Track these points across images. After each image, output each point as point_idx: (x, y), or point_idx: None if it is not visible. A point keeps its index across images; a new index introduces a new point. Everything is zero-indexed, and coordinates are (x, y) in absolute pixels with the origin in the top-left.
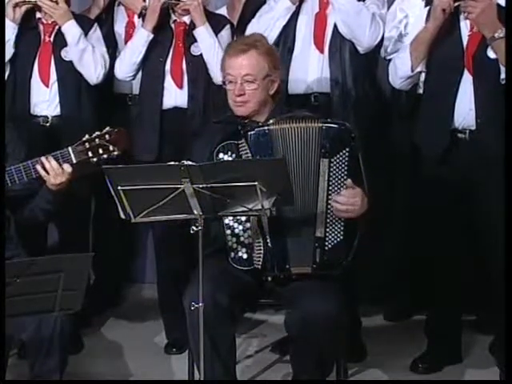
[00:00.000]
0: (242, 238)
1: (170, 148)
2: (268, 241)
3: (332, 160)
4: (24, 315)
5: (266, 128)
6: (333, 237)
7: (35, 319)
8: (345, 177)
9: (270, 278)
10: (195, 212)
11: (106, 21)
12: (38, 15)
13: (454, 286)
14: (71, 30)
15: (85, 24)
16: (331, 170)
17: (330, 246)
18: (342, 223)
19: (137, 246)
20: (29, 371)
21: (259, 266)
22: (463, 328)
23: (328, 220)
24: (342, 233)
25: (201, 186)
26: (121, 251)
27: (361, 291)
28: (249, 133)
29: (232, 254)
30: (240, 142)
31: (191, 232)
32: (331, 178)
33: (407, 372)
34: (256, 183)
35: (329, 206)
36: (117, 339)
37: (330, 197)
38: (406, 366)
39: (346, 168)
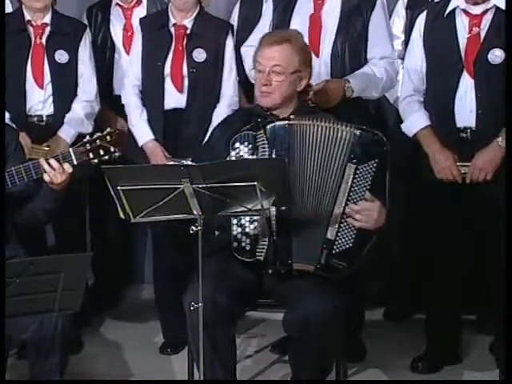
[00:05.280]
0: (247, 229)
1: (169, 148)
2: (274, 234)
3: (359, 167)
4: (24, 315)
5: (286, 123)
6: (342, 242)
7: (36, 319)
8: (367, 186)
9: (270, 271)
10: (195, 212)
11: (102, 22)
12: (27, 17)
13: (454, 286)
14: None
15: (76, 32)
16: (356, 176)
17: (337, 250)
18: (355, 231)
19: (136, 246)
20: (29, 371)
21: (261, 258)
22: (463, 328)
23: (342, 225)
24: (352, 240)
25: (200, 185)
26: (120, 251)
27: (361, 291)
28: (268, 125)
29: (235, 244)
30: (258, 133)
31: (191, 232)
32: (354, 185)
33: (407, 372)
34: (255, 183)
35: (345, 212)
36: (117, 339)
37: (348, 202)
38: (405, 366)
39: (370, 178)
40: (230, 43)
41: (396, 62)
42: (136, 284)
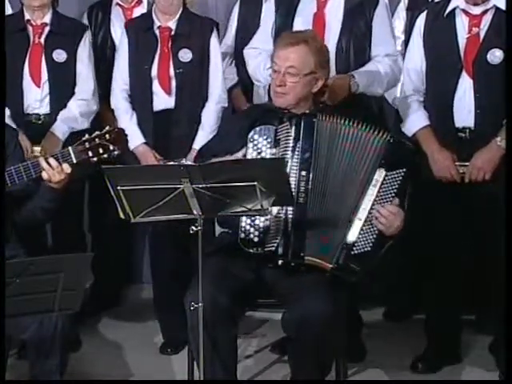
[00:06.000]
0: (257, 221)
1: (160, 149)
2: (289, 226)
3: (388, 174)
4: (24, 315)
5: (315, 118)
6: (362, 245)
7: (36, 319)
8: (392, 194)
9: (280, 262)
10: (195, 212)
11: (103, 22)
12: (27, 17)
13: (453, 286)
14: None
15: (76, 32)
16: (383, 182)
17: (356, 252)
18: (375, 235)
19: (136, 246)
20: (29, 371)
21: (273, 248)
22: (463, 328)
23: (364, 228)
24: (371, 244)
25: (200, 185)
26: (120, 251)
27: (361, 290)
28: (295, 119)
29: (242, 235)
30: (281, 126)
31: (191, 232)
32: (381, 190)
33: (407, 372)
34: (255, 183)
35: (369, 216)
36: (117, 339)
37: (373, 207)
38: (405, 366)
39: (396, 186)
40: (214, 40)
41: (399, 59)
42: (136, 284)
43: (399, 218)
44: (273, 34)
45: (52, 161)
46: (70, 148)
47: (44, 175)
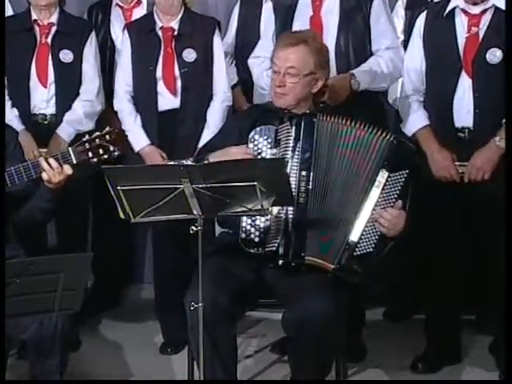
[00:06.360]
0: (258, 221)
1: (165, 149)
2: (290, 226)
3: (391, 175)
4: (24, 315)
5: (315, 118)
6: (364, 246)
7: (36, 319)
8: (395, 195)
9: (281, 262)
10: (195, 212)
11: (102, 23)
12: (34, 17)
13: (453, 286)
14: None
15: (82, 31)
16: (386, 183)
17: (358, 253)
18: (377, 236)
19: (136, 246)
20: (29, 371)
21: (274, 248)
22: (463, 328)
23: (366, 229)
24: (373, 245)
25: (200, 185)
26: (120, 251)
27: (363, 292)
28: (295, 118)
29: (243, 235)
30: (281, 126)
31: (191, 232)
32: (383, 192)
33: (407, 372)
34: (255, 183)
35: (372, 216)
36: (117, 339)
37: (375, 208)
38: (405, 366)
39: (399, 188)
40: (217, 39)
41: (401, 50)
42: (136, 284)
43: (402, 220)
44: (274, 40)
45: (52, 161)
46: (70, 149)
47: (44, 176)
